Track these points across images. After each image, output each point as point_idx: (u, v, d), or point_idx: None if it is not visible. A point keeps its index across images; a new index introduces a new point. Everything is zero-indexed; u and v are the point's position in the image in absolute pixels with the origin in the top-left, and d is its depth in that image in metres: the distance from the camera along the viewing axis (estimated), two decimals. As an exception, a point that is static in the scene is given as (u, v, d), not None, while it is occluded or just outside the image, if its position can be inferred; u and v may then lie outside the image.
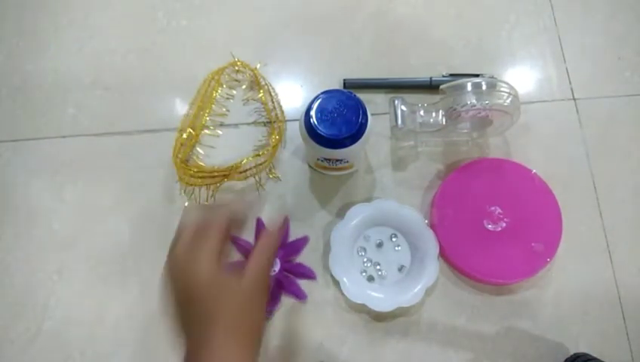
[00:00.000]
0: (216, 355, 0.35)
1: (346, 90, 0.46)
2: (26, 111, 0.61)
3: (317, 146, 0.46)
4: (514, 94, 0.50)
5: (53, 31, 0.64)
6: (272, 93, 0.59)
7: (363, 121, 0.45)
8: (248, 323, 0.37)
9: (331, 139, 0.44)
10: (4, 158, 0.59)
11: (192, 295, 0.37)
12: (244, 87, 0.60)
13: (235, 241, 0.54)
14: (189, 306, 0.37)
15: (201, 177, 0.54)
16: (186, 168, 0.55)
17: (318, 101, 0.45)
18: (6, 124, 0.60)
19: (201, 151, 0.58)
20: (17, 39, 0.63)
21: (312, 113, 0.45)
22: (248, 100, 0.60)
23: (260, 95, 0.59)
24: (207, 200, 0.55)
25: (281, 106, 0.59)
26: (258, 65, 0.60)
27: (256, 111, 0.59)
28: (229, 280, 0.37)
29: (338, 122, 0.44)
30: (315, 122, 0.44)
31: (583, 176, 0.57)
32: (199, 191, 0.56)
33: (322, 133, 0.44)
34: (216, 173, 0.54)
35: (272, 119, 0.58)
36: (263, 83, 0.59)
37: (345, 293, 0.51)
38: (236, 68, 0.60)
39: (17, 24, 0.64)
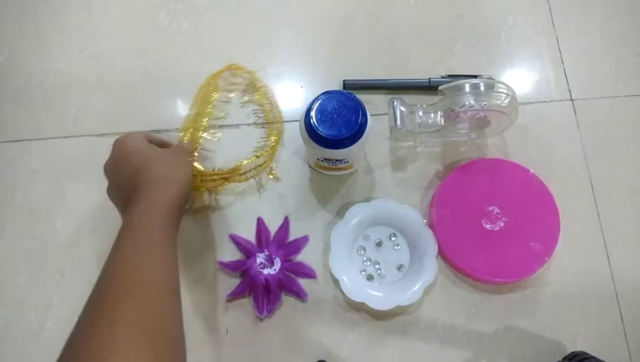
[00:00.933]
0: (143, 198, 0.42)
1: (345, 91, 0.46)
2: (28, 112, 0.61)
3: (317, 147, 0.46)
4: (512, 95, 0.50)
5: (55, 32, 0.64)
6: (269, 95, 0.60)
7: (363, 122, 0.45)
8: (172, 175, 0.45)
9: (331, 140, 0.45)
10: (7, 158, 0.59)
11: (124, 159, 0.46)
12: (242, 89, 0.61)
13: (236, 241, 0.55)
14: (121, 170, 0.46)
15: (202, 180, 0.54)
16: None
17: (318, 102, 0.45)
18: (8, 124, 0.61)
19: (200, 153, 0.58)
20: (19, 40, 0.64)
21: (312, 114, 0.45)
22: (245, 103, 0.60)
23: (257, 96, 0.59)
24: (209, 204, 0.56)
25: (278, 107, 0.60)
26: (256, 69, 0.60)
27: (254, 113, 0.60)
28: (154, 148, 0.47)
29: (338, 123, 0.45)
30: (315, 123, 0.45)
31: (580, 176, 0.58)
32: (201, 195, 0.56)
33: (322, 134, 0.45)
34: (216, 176, 0.54)
35: (269, 120, 0.58)
36: (260, 85, 0.60)
37: (344, 292, 0.51)
38: (232, 71, 0.60)
39: (19, 25, 0.64)
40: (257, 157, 0.56)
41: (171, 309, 0.37)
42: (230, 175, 0.55)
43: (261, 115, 0.59)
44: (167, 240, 0.41)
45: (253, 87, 0.60)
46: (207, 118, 0.59)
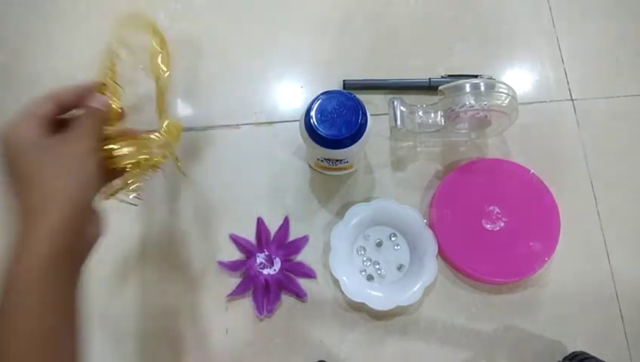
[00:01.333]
0: (23, 239, 0.32)
1: (345, 91, 0.46)
2: (29, 112, 0.61)
3: (317, 147, 0.46)
4: (512, 95, 0.50)
5: (55, 32, 0.64)
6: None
7: (363, 122, 0.45)
8: (58, 194, 0.33)
9: (331, 140, 0.45)
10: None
11: (6, 163, 0.34)
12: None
13: (236, 241, 0.55)
14: (5, 176, 0.34)
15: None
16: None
17: (318, 102, 0.45)
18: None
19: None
20: (21, 40, 0.64)
21: (312, 114, 0.45)
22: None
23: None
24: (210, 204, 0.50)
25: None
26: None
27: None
28: (49, 142, 0.34)
29: (338, 123, 0.45)
30: (315, 123, 0.45)
31: (580, 176, 0.57)
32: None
33: (322, 134, 0.45)
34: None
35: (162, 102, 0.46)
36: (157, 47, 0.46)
37: (344, 292, 0.51)
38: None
39: (20, 26, 0.64)
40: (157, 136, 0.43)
41: None
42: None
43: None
44: (51, 315, 0.31)
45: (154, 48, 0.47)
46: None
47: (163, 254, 0.56)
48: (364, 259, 0.54)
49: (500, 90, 0.50)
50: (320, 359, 0.52)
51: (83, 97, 0.39)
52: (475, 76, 0.57)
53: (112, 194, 0.43)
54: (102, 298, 0.54)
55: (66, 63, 0.63)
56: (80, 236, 0.34)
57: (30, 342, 0.30)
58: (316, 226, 0.56)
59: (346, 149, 0.46)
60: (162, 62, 0.47)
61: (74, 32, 0.64)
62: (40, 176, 0.33)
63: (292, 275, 0.54)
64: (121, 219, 0.57)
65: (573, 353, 0.51)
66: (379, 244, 0.55)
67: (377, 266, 0.54)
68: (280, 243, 0.55)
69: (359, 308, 0.53)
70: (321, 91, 0.46)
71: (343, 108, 0.45)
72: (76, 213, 0.33)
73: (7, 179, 0.34)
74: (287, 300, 0.54)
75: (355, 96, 0.46)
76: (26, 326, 0.31)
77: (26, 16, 0.65)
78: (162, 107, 0.46)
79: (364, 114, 0.46)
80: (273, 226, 0.56)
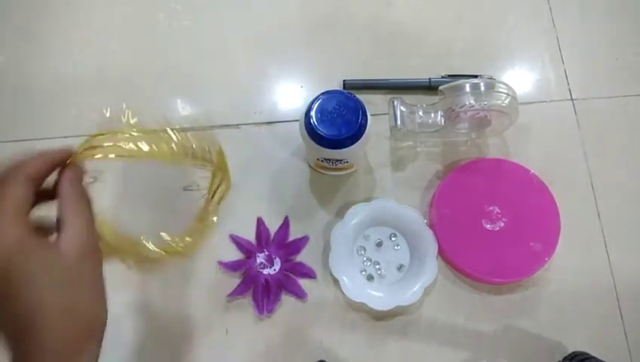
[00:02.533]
0: None
1: (345, 91, 0.46)
2: (29, 112, 0.61)
3: (317, 147, 0.46)
4: (512, 95, 0.50)
5: (56, 32, 0.64)
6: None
7: (363, 122, 0.45)
8: (83, 313, 0.27)
9: (331, 140, 0.45)
10: (7, 159, 0.59)
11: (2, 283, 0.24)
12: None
13: (236, 241, 0.55)
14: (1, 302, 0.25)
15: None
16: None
17: (318, 102, 0.45)
18: (8, 124, 0.61)
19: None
20: (20, 41, 0.64)
21: (312, 114, 0.45)
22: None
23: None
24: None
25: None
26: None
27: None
28: (46, 252, 0.26)
29: (338, 123, 0.45)
30: (315, 123, 0.45)
31: (580, 176, 0.57)
32: None
33: (322, 134, 0.45)
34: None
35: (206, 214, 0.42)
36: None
37: (345, 292, 0.51)
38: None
39: (20, 26, 0.64)
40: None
41: None
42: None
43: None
44: None
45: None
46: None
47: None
48: (365, 259, 0.54)
49: (500, 90, 0.50)
50: (320, 359, 0.52)
51: (57, 166, 0.30)
52: (475, 76, 0.57)
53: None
54: (102, 298, 0.54)
55: (66, 63, 0.63)
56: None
57: None
58: (316, 226, 0.56)
59: (346, 149, 0.46)
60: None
61: (74, 32, 0.64)
62: (55, 310, 0.25)
63: (292, 275, 0.54)
64: (122, 218, 0.57)
65: (573, 353, 0.51)
66: (379, 244, 0.55)
67: (377, 266, 0.54)
68: (280, 243, 0.55)
69: (359, 308, 0.53)
70: (321, 91, 0.46)
71: (343, 108, 0.45)
72: (100, 337, 0.28)
73: None
74: (287, 300, 0.54)
75: (355, 96, 0.46)
76: None
77: (26, 17, 0.65)
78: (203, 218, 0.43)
79: (365, 114, 0.45)
80: (273, 226, 0.56)
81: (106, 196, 0.56)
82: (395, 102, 0.54)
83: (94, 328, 0.27)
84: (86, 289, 0.27)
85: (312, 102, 0.45)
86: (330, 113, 0.45)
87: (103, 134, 0.35)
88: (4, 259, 0.24)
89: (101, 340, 0.28)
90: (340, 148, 0.46)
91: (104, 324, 0.29)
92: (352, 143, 0.46)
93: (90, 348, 0.27)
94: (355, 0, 0.64)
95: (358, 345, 0.52)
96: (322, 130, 0.45)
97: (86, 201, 0.29)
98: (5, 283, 0.24)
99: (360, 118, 0.45)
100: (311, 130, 0.45)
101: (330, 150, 0.46)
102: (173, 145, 0.36)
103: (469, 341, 0.52)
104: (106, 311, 0.29)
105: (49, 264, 0.25)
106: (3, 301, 0.24)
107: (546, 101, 0.60)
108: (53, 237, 0.27)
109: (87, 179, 0.31)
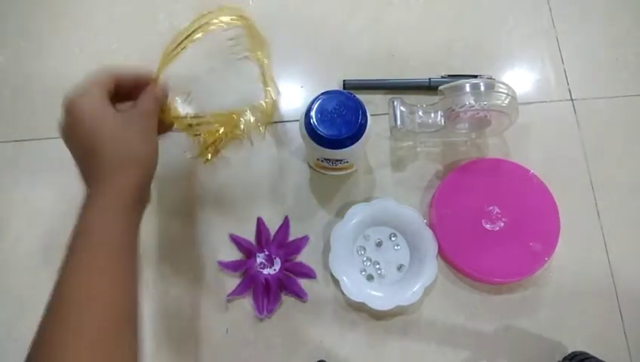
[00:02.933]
0: (98, 194, 0.36)
1: (345, 91, 0.46)
2: (29, 112, 0.61)
3: (317, 147, 0.46)
4: (512, 95, 0.50)
5: (56, 32, 0.64)
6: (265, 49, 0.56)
7: (363, 122, 0.45)
8: (130, 158, 0.38)
9: (331, 140, 0.45)
10: (6, 158, 0.59)
11: (75, 130, 0.38)
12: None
13: (236, 241, 0.55)
14: (74, 142, 0.38)
15: (197, 124, 0.52)
16: (182, 118, 0.51)
17: (318, 102, 0.45)
18: (8, 124, 0.61)
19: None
20: (20, 40, 0.64)
21: (312, 114, 0.45)
22: (246, 57, 0.57)
23: (258, 54, 0.55)
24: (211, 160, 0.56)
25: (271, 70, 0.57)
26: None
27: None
28: (110, 116, 0.38)
29: (338, 123, 0.45)
30: (315, 123, 0.45)
31: (580, 176, 0.57)
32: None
33: (322, 134, 0.45)
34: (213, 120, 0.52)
35: (266, 80, 0.56)
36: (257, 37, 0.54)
37: (345, 292, 0.51)
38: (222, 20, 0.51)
39: (20, 25, 0.64)
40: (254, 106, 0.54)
41: (123, 345, 0.34)
42: (228, 120, 0.52)
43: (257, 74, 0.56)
44: (125, 251, 0.37)
45: (251, 38, 0.54)
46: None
47: (163, 254, 0.56)
48: (364, 259, 0.54)
49: (500, 90, 0.50)
50: (320, 359, 0.52)
51: (141, 84, 0.42)
52: (475, 76, 0.57)
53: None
54: (102, 298, 0.54)
55: (66, 63, 0.63)
56: (147, 193, 0.40)
57: (110, 255, 0.36)
58: (316, 226, 0.56)
59: (346, 149, 0.46)
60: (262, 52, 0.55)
61: (74, 32, 0.64)
62: (114, 142, 0.37)
63: (292, 275, 0.54)
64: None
65: (573, 353, 0.51)
66: (379, 244, 0.55)
67: (377, 266, 0.54)
68: (280, 243, 0.55)
69: (359, 308, 0.53)
70: (321, 91, 0.46)
71: (343, 108, 0.45)
72: (148, 173, 0.39)
73: (72, 143, 0.38)
74: (287, 300, 0.54)
75: (355, 96, 0.46)
76: (106, 249, 0.36)
77: (26, 17, 0.65)
78: (266, 83, 0.56)
79: (364, 114, 0.45)
80: (273, 226, 0.56)
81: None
82: (395, 103, 0.54)
83: (141, 159, 0.39)
84: (139, 135, 0.39)
85: (312, 102, 0.45)
86: (331, 113, 0.45)
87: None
88: (84, 117, 0.37)
89: (149, 176, 0.40)
90: (340, 148, 0.46)
91: (151, 161, 0.40)
92: (352, 143, 0.46)
93: (136, 171, 0.38)
94: (355, 0, 0.64)
95: (358, 344, 0.52)
96: (322, 130, 0.45)
97: (155, 98, 0.42)
98: (81, 130, 0.37)
99: (360, 118, 0.45)
100: (311, 130, 0.45)
101: (330, 150, 0.46)
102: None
103: (469, 341, 0.52)
104: (155, 153, 0.40)
105: (112, 126, 0.38)
106: (79, 135, 0.38)
107: (545, 101, 0.60)
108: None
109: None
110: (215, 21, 0.51)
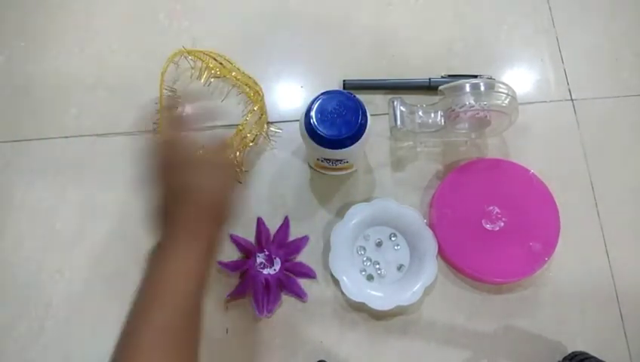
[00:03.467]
0: (188, 223, 0.38)
1: (345, 91, 0.46)
2: (29, 112, 0.61)
3: (317, 147, 0.46)
4: (512, 95, 0.50)
5: (56, 32, 0.64)
6: (234, 66, 0.60)
7: (363, 122, 0.45)
8: (217, 198, 0.40)
9: (332, 140, 0.45)
10: (7, 158, 0.59)
11: (172, 169, 0.40)
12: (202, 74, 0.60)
13: (236, 241, 0.55)
14: (168, 177, 0.40)
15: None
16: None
17: (318, 102, 0.45)
18: (9, 124, 0.61)
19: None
20: (20, 41, 0.64)
21: (312, 114, 0.45)
22: (210, 82, 0.60)
23: (230, 72, 0.59)
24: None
25: (250, 76, 0.59)
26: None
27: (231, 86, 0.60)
28: (202, 161, 0.40)
29: (338, 123, 0.45)
30: (316, 123, 0.45)
31: (580, 175, 0.57)
32: None
33: (322, 134, 0.45)
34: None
35: (247, 89, 0.59)
36: (223, 61, 0.60)
37: (345, 292, 0.51)
38: (187, 56, 0.59)
39: (20, 26, 0.65)
40: (253, 110, 0.56)
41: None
42: (237, 137, 0.54)
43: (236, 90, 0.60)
44: (204, 264, 0.40)
45: (218, 64, 0.60)
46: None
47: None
48: (364, 259, 0.54)
49: (500, 90, 0.50)
50: (320, 359, 0.52)
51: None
52: (475, 76, 0.57)
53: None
54: (101, 298, 0.54)
55: (66, 63, 0.63)
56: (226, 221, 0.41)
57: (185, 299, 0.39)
58: (316, 226, 0.56)
59: (345, 149, 0.46)
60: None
61: (74, 32, 0.64)
62: (207, 183, 0.39)
63: (292, 275, 0.54)
64: (123, 219, 0.57)
65: (572, 353, 0.51)
66: (379, 244, 0.55)
67: (377, 266, 0.54)
68: (280, 243, 0.55)
69: (359, 308, 0.53)
70: (321, 91, 0.46)
71: (343, 109, 0.45)
72: (229, 209, 0.41)
73: (168, 177, 0.40)
74: (287, 300, 0.54)
75: (355, 96, 0.46)
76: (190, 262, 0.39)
77: (26, 17, 0.65)
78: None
79: (364, 114, 0.45)
80: (273, 226, 0.56)
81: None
82: (395, 103, 0.54)
83: (219, 211, 0.40)
84: (219, 181, 0.40)
85: (312, 103, 0.45)
86: (331, 113, 0.45)
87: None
88: (182, 160, 0.40)
89: (222, 224, 0.41)
90: (340, 148, 0.46)
91: (227, 214, 0.41)
92: (352, 143, 0.46)
93: (213, 220, 0.40)
94: (355, 0, 0.64)
95: (359, 344, 0.52)
96: (322, 130, 0.45)
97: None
98: (177, 169, 0.39)
99: (360, 118, 0.45)
100: (311, 130, 0.45)
101: (330, 150, 0.46)
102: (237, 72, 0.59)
103: (469, 341, 0.52)
104: (229, 210, 0.41)
105: (204, 171, 0.40)
106: (175, 174, 0.39)
107: (545, 101, 0.60)
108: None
109: None
110: (234, 74, 0.59)
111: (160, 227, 0.40)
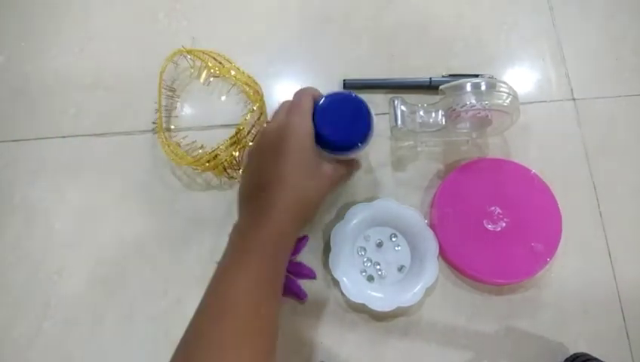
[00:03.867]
0: (267, 223, 0.39)
1: (347, 92, 0.45)
2: (27, 112, 0.61)
3: (323, 151, 0.45)
4: (513, 94, 0.50)
5: (55, 32, 0.64)
6: (233, 65, 0.60)
7: (370, 123, 0.44)
8: (306, 204, 0.41)
9: (338, 144, 0.44)
10: (5, 158, 0.59)
11: (274, 152, 0.40)
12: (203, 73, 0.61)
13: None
14: (260, 159, 0.41)
15: (208, 160, 0.53)
16: (184, 157, 0.55)
17: (322, 105, 0.44)
18: (7, 124, 0.60)
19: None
20: (19, 40, 0.64)
21: (316, 117, 0.43)
22: (209, 81, 0.61)
23: (229, 72, 0.59)
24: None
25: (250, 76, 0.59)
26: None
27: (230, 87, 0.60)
28: (313, 158, 0.41)
29: (343, 125, 0.44)
30: (320, 126, 0.43)
31: (582, 175, 0.57)
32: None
33: (329, 138, 0.43)
34: (218, 153, 0.53)
35: (246, 88, 0.59)
36: (223, 61, 0.60)
37: (345, 293, 0.51)
38: (186, 55, 0.60)
39: (19, 25, 0.64)
40: (252, 110, 0.56)
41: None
42: (236, 138, 0.54)
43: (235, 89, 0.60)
44: (278, 276, 0.40)
45: (218, 63, 0.60)
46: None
47: (163, 255, 0.55)
48: (365, 259, 0.54)
49: (501, 89, 0.50)
50: (320, 360, 0.51)
51: None
52: (476, 75, 0.57)
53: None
54: (101, 299, 0.54)
55: (65, 63, 0.63)
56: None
57: (257, 284, 0.38)
58: (316, 226, 0.55)
59: (350, 152, 0.45)
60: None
61: (73, 32, 0.64)
62: (303, 186, 0.40)
63: (292, 276, 0.54)
64: (122, 219, 0.57)
65: (574, 354, 0.51)
66: (379, 245, 0.54)
67: (378, 267, 0.54)
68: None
69: (359, 309, 0.52)
70: (321, 90, 0.46)
71: (348, 110, 0.44)
72: (311, 218, 0.45)
73: (261, 159, 0.41)
74: (286, 301, 0.53)
75: (358, 96, 0.45)
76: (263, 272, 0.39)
77: (26, 17, 0.65)
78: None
79: (369, 114, 0.45)
80: (273, 226, 0.55)
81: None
82: (396, 102, 0.54)
83: (307, 205, 0.42)
84: (320, 192, 0.43)
85: (315, 106, 0.44)
86: (335, 115, 0.44)
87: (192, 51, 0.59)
88: (291, 146, 0.40)
89: (307, 220, 0.43)
90: (346, 151, 0.45)
91: (314, 208, 0.43)
92: (360, 145, 0.45)
93: (301, 214, 0.41)
94: (356, -1, 0.64)
95: (359, 346, 0.52)
96: (327, 134, 0.43)
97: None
98: (281, 154, 0.40)
99: (367, 118, 0.44)
100: (317, 136, 0.44)
101: (336, 153, 0.45)
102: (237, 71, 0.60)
103: (470, 342, 0.52)
104: (317, 206, 0.44)
105: (312, 171, 0.41)
106: (271, 159, 0.40)
107: (547, 101, 0.60)
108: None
109: None
110: (233, 73, 0.59)
111: (252, 208, 0.41)
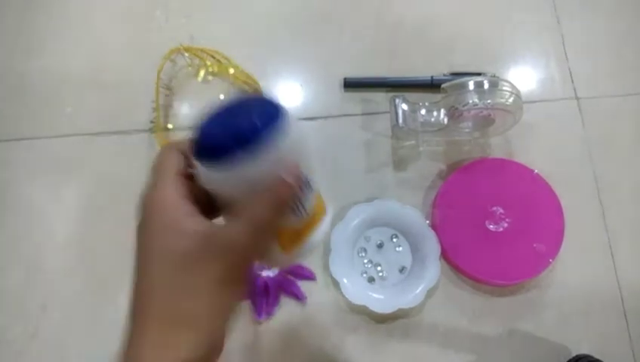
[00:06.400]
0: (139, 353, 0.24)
1: (264, 96, 0.30)
2: (24, 111, 0.60)
3: (200, 167, 0.25)
4: (516, 93, 0.50)
5: (51, 30, 0.64)
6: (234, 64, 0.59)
7: (256, 125, 0.25)
8: (187, 319, 0.24)
9: (205, 143, 0.25)
10: (2, 158, 0.59)
11: (141, 234, 0.26)
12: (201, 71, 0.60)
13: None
14: (139, 243, 0.26)
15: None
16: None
17: (210, 111, 0.27)
18: (3, 123, 0.60)
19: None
20: (15, 38, 0.63)
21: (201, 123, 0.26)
22: (208, 79, 0.60)
23: (227, 70, 0.58)
24: None
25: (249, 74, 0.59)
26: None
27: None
28: (193, 221, 0.24)
29: (220, 121, 0.26)
30: (197, 129, 0.26)
31: (585, 175, 0.57)
32: None
33: (197, 137, 0.25)
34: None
35: (245, 87, 0.58)
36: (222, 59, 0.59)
37: (345, 295, 0.51)
38: (184, 53, 0.59)
39: (15, 23, 0.64)
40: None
41: None
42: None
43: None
44: None
45: (217, 62, 0.59)
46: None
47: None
48: (365, 260, 0.53)
49: (504, 88, 0.50)
50: (320, 362, 0.51)
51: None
52: (479, 74, 0.56)
53: None
54: (97, 300, 0.54)
55: (62, 62, 0.62)
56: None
57: None
58: (316, 227, 0.55)
59: (230, 163, 0.24)
60: None
61: (71, 31, 0.63)
62: (171, 288, 0.23)
63: (291, 277, 0.53)
64: (120, 218, 0.56)
65: (577, 356, 0.50)
66: (380, 246, 0.54)
67: (378, 268, 0.53)
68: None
69: (360, 310, 0.52)
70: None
71: (239, 108, 0.27)
72: (211, 345, 0.25)
73: (139, 242, 0.27)
74: (286, 303, 0.53)
75: (267, 98, 0.30)
76: None
77: (24, 16, 0.64)
78: None
79: (269, 114, 0.27)
80: (272, 227, 0.55)
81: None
82: (397, 101, 0.54)
83: (203, 330, 0.23)
84: (208, 293, 0.22)
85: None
86: (222, 114, 0.27)
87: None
88: (153, 211, 0.25)
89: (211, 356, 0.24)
90: (221, 159, 0.24)
91: (220, 340, 0.24)
92: (233, 154, 0.24)
93: (189, 346, 0.23)
94: (356, -3, 0.64)
95: (359, 348, 0.52)
96: (196, 134, 0.25)
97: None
98: (144, 241, 0.25)
99: (252, 118, 0.25)
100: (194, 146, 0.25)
101: (213, 167, 0.24)
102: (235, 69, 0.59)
103: (472, 344, 0.52)
104: (223, 336, 0.25)
105: (183, 236, 0.23)
106: (140, 245, 0.25)
107: (550, 100, 0.59)
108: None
109: None
110: (232, 71, 0.58)
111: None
